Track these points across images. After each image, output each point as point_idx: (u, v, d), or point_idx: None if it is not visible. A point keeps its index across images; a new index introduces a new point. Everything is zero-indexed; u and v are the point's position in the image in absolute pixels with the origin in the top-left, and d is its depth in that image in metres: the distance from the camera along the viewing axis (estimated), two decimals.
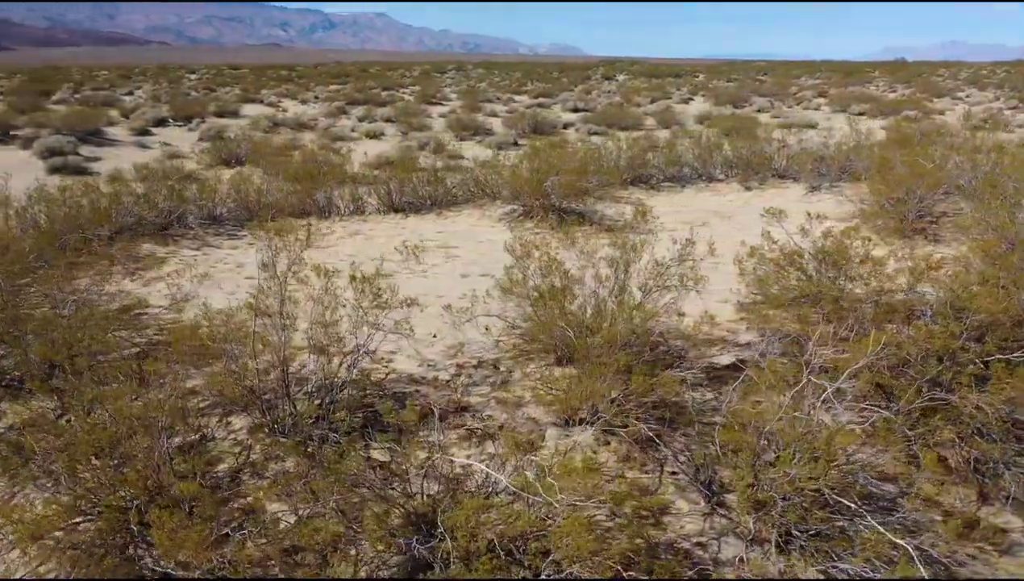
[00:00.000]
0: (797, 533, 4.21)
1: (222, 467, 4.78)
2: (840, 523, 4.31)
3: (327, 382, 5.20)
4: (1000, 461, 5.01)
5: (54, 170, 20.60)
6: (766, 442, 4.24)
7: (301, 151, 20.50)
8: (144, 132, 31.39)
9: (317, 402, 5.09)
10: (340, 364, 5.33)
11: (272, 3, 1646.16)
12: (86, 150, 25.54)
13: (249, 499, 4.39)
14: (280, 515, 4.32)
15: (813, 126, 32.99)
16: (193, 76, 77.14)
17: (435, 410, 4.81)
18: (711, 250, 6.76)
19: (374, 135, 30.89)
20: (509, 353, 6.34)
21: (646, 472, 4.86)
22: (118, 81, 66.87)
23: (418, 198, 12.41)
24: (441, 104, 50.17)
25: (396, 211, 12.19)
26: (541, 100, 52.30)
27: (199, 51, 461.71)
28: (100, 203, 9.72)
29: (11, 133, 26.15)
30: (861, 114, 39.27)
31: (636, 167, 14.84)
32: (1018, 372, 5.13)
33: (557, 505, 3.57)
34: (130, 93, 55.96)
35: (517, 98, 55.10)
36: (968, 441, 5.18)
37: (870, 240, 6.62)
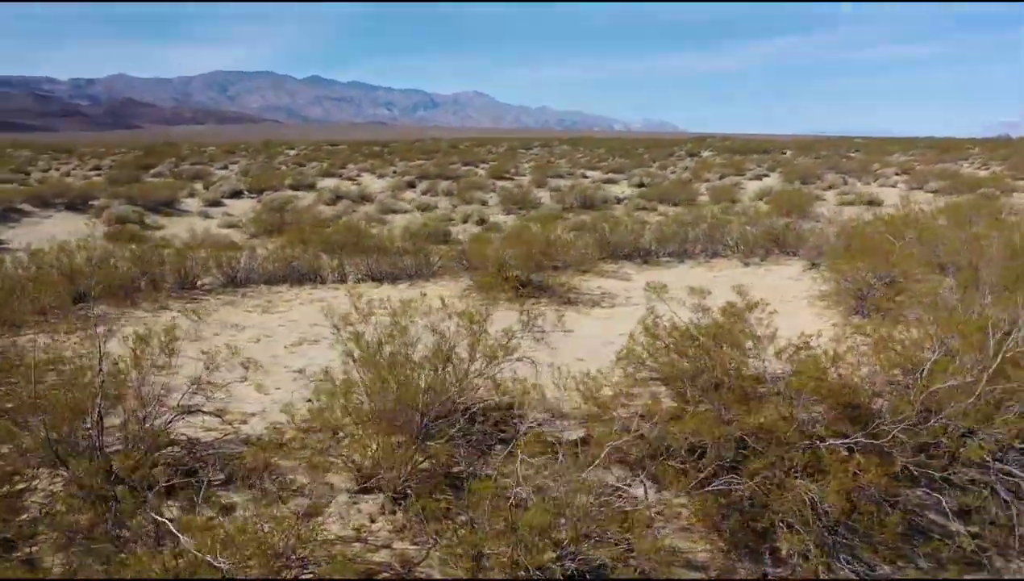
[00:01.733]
0: None
1: (24, 517, 4.98)
2: None
3: (128, 439, 5.37)
4: (814, 553, 4.65)
5: (108, 237, 22.10)
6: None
7: (335, 223, 21.37)
8: (216, 203, 33.22)
9: (116, 460, 5.25)
10: (147, 420, 5.50)
11: (379, 84, 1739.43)
12: (153, 219, 27.36)
13: (33, 549, 4.54)
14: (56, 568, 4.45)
15: (877, 203, 32.24)
16: (292, 152, 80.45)
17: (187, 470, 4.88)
18: (560, 323, 6.67)
19: (426, 208, 31.82)
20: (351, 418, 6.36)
21: (416, 544, 4.76)
22: (221, 156, 70.49)
23: (396, 269, 12.72)
24: (512, 178, 51.04)
25: (375, 280, 12.50)
26: (611, 176, 52.59)
27: (308, 128, 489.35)
28: (67, 268, 10.46)
29: (89, 202, 28.31)
30: (936, 192, 37.95)
31: (633, 242, 14.76)
32: (847, 462, 4.81)
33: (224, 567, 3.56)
34: (225, 167, 58.53)
35: (590, 173, 55.44)
36: (794, 531, 4.86)
37: (737, 316, 6.37)
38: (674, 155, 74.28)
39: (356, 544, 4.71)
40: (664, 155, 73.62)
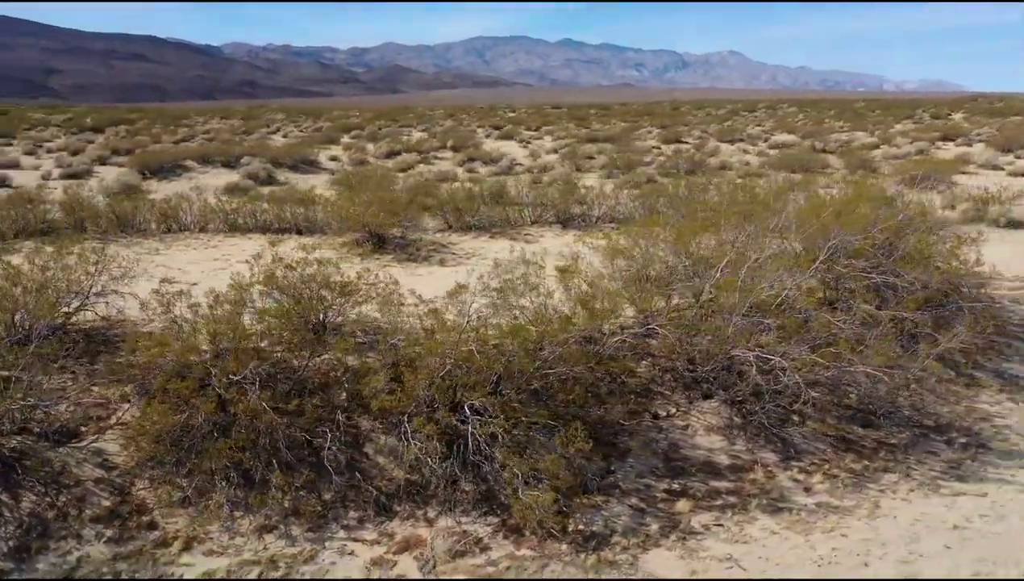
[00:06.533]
0: None
1: None
2: None
3: None
4: None
5: (227, 191, 25.51)
6: None
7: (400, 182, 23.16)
8: (362, 163, 36.24)
9: None
10: None
11: (628, 46, 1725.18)
12: (286, 176, 30.90)
13: None
14: None
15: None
16: (511, 114, 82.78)
17: None
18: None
19: (543, 169, 32.63)
20: None
21: None
22: (436, 118, 74.70)
23: (282, 222, 14.09)
24: (686, 142, 49.64)
25: (264, 232, 13.77)
26: (799, 142, 49.44)
27: (555, 91, 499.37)
28: None
29: (240, 161, 32.44)
30: None
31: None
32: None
33: None
34: (426, 130, 61.76)
35: (776, 137, 52.79)
36: None
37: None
38: (912, 117, 67.63)
39: None
40: (900, 117, 67.36)
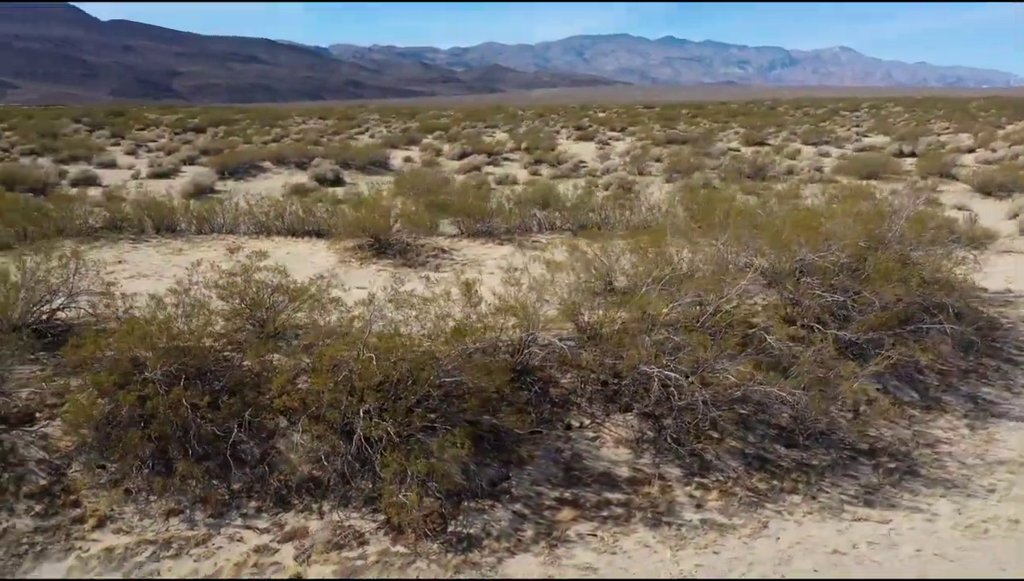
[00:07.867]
0: None
1: None
2: None
3: None
4: None
5: (293, 192, 26.81)
6: None
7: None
8: (431, 164, 37.26)
9: None
10: None
11: (732, 43, 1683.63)
12: (354, 177, 32.08)
13: None
14: None
15: None
16: (602, 114, 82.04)
17: None
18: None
19: (605, 172, 32.78)
20: None
21: None
22: (525, 117, 74.98)
23: (307, 225, 14.74)
24: (769, 144, 48.61)
25: (289, 235, 14.48)
26: (891, 142, 47.82)
27: (654, 90, 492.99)
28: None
29: (311, 161, 33.90)
30: None
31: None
32: None
33: None
34: (510, 129, 62.14)
35: (868, 139, 51.30)
36: None
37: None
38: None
39: None
40: (1016, 118, 64.17)
